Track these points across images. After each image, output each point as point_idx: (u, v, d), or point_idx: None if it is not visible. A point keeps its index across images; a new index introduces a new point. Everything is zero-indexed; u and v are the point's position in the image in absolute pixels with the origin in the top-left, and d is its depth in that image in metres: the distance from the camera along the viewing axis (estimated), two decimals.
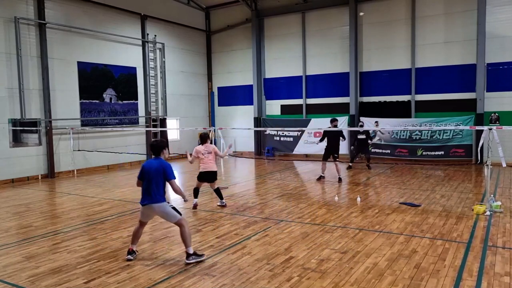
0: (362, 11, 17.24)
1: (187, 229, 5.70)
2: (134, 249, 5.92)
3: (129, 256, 5.82)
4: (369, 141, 14.93)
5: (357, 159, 16.85)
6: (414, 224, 7.29)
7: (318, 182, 12.02)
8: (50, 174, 14.01)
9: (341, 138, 12.26)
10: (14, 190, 12.00)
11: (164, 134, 18.18)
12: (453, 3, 15.49)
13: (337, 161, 12.18)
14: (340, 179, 12.08)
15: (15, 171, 13.19)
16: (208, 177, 8.84)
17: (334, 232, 6.91)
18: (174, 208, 5.74)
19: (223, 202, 9.06)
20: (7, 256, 6.15)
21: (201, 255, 5.71)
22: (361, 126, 14.66)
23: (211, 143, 11.88)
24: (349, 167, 14.48)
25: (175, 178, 5.73)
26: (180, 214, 5.74)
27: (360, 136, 14.42)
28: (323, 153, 12.42)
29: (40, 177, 13.85)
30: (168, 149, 6.42)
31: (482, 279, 4.90)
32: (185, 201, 6.12)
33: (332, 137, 12.19)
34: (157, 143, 5.92)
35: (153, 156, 5.87)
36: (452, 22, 15.55)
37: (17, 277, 5.34)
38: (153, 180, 5.65)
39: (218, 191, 9.05)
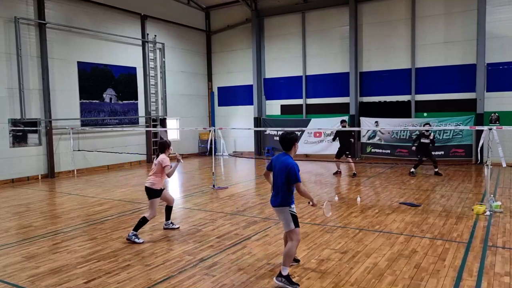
0: (362, 11, 17.24)
1: (294, 246, 4.87)
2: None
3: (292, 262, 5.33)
4: (431, 145, 12.81)
5: (357, 158, 16.88)
6: (414, 224, 7.29)
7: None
8: (50, 174, 14.01)
9: (351, 139, 13.19)
10: (14, 190, 12.00)
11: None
12: (453, 3, 15.49)
13: (349, 157, 13.05)
14: (354, 174, 12.89)
15: (15, 171, 13.19)
16: (147, 193, 6.96)
17: (334, 232, 6.91)
18: (293, 215, 4.93)
19: (132, 237, 6.67)
20: (7, 256, 6.15)
21: (295, 285, 4.78)
22: (427, 131, 12.62)
23: (212, 143, 11.79)
24: (411, 173, 12.79)
25: (300, 181, 4.83)
26: (297, 226, 4.92)
27: (423, 140, 12.62)
28: (326, 152, 13.03)
29: (40, 177, 13.86)
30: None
31: (482, 279, 4.90)
32: (313, 205, 5.09)
33: (342, 137, 13.13)
34: (288, 136, 5.01)
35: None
36: (452, 22, 15.55)
37: (17, 277, 5.34)
38: (277, 178, 4.95)
39: (140, 221, 6.78)
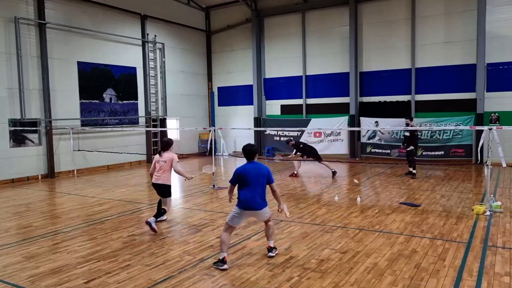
0: (362, 11, 17.25)
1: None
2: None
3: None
4: (412, 147, 12.24)
5: (357, 158, 16.91)
6: (414, 224, 7.29)
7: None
8: (50, 174, 14.01)
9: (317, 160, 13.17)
10: (14, 190, 11.99)
11: (164, 134, 18.19)
12: (453, 3, 15.49)
13: (321, 162, 13.06)
14: (334, 172, 12.90)
15: (15, 171, 13.18)
16: (158, 190, 7.45)
17: (334, 232, 6.91)
18: None
19: (152, 222, 6.98)
20: (7, 256, 6.15)
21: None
22: (407, 124, 12.38)
23: (211, 143, 11.91)
24: (412, 175, 12.24)
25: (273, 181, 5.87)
26: None
27: (405, 133, 12.61)
28: (326, 152, 13.36)
29: (40, 177, 13.85)
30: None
31: (482, 279, 4.91)
32: (279, 210, 6.03)
33: (306, 151, 13.19)
34: (254, 148, 6.03)
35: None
36: (452, 22, 15.55)
37: (17, 277, 5.34)
38: (257, 183, 5.69)
39: (160, 211, 7.41)
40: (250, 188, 5.61)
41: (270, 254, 5.78)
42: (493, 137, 7.97)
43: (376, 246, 6.17)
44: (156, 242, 6.60)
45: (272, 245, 5.86)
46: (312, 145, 14.15)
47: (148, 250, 6.24)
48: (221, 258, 5.46)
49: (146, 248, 6.31)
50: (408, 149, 12.32)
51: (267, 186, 5.77)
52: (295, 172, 13.19)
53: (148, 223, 6.99)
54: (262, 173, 5.69)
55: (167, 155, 7.37)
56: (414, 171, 12.32)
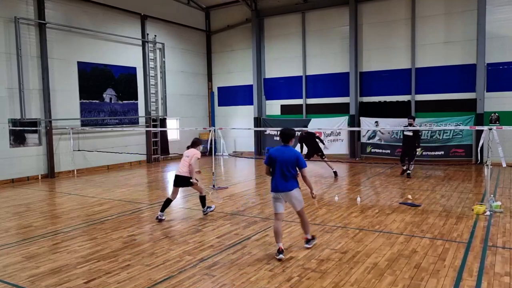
0: (362, 11, 17.25)
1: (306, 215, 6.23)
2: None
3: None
4: (416, 145, 12.26)
5: (357, 158, 16.91)
6: (414, 224, 7.29)
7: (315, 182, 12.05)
8: (50, 174, 14.01)
9: (320, 143, 13.02)
10: (14, 190, 12.00)
11: (164, 134, 18.20)
12: (453, 3, 15.49)
13: (324, 158, 12.97)
14: (335, 173, 12.87)
15: (15, 171, 13.18)
16: (179, 181, 8.08)
17: (334, 232, 6.91)
18: None
19: (206, 210, 8.25)
20: (7, 256, 6.15)
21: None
22: (410, 124, 12.25)
23: (212, 143, 12.09)
24: (407, 174, 12.35)
25: (306, 166, 5.88)
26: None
27: (406, 133, 12.38)
28: (326, 152, 13.59)
29: (40, 177, 13.85)
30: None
31: (482, 279, 4.91)
32: (313, 197, 6.03)
33: (308, 142, 13.04)
34: (288, 131, 5.96)
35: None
36: (452, 22, 15.55)
37: (17, 277, 5.34)
38: (285, 166, 5.76)
39: (201, 201, 8.28)
40: (277, 170, 5.79)
41: (306, 245, 6.04)
42: (493, 137, 7.98)
43: (376, 246, 6.17)
44: (156, 242, 6.60)
45: (309, 237, 6.10)
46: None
47: (148, 250, 6.24)
48: (277, 249, 5.74)
49: (146, 248, 6.31)
50: (417, 153, 12.38)
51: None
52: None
53: (204, 213, 8.20)
54: (289, 157, 5.76)
55: (191, 151, 8.08)
56: (407, 169, 12.51)
